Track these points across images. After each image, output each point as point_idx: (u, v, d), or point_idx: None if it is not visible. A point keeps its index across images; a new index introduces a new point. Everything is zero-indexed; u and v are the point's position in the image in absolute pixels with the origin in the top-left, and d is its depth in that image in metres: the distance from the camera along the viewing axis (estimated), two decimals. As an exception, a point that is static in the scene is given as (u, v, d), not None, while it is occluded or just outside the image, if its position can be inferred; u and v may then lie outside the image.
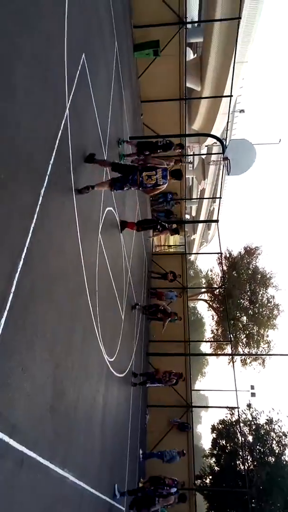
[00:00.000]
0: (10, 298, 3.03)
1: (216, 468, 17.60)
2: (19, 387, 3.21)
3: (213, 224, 39.57)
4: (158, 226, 11.15)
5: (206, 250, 51.16)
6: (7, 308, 2.97)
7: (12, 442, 3.01)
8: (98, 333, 6.10)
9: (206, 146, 31.74)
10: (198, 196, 40.27)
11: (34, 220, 3.55)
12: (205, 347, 35.03)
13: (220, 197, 20.94)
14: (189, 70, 17.31)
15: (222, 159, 11.30)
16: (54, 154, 4.11)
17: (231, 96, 15.07)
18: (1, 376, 2.88)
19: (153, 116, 14.55)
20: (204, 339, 33.18)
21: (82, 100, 5.38)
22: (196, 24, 22.58)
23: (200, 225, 45.08)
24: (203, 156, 32.19)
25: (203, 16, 22.69)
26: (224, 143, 10.82)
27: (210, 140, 28.19)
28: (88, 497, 5.31)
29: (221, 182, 22.15)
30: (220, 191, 21.50)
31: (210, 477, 17.38)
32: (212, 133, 23.39)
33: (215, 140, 22.83)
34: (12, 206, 3.16)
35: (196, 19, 24.30)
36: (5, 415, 2.94)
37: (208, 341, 29.36)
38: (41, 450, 3.62)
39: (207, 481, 17.39)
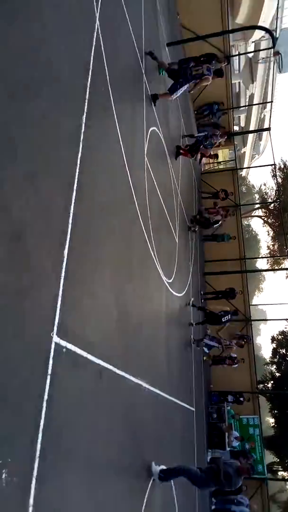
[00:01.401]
0: (69, 230, 3.13)
1: (277, 374, 18.58)
2: (88, 312, 3.47)
3: (265, 134, 36.51)
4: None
5: (258, 163, 48.06)
6: (68, 239, 3.10)
7: (90, 357, 3.36)
8: (154, 257, 6.25)
9: (253, 42, 28.02)
10: (247, 103, 36.77)
11: (80, 150, 3.50)
12: (262, 264, 34.79)
13: (271, 101, 18.98)
14: None
15: (272, 54, 9.98)
16: (90, 76, 3.87)
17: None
18: (72, 302, 3.11)
19: (191, 14, 12.88)
20: (260, 256, 32.85)
21: (111, 6, 4.86)
22: None
23: (250, 136, 41.82)
24: (250, 55, 28.64)
25: None
26: (274, 34, 9.46)
27: (257, 34, 24.72)
28: (162, 400, 5.93)
29: (272, 83, 19.86)
30: (271, 94, 19.42)
31: (272, 382, 18.45)
32: (259, 24, 20.42)
33: (263, 33, 20.04)
34: (57, 138, 3.11)
35: None
36: (81, 335, 3.23)
37: (264, 257, 29.06)
38: (116, 362, 4.01)
39: (269, 385, 18.53)
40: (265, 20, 22.27)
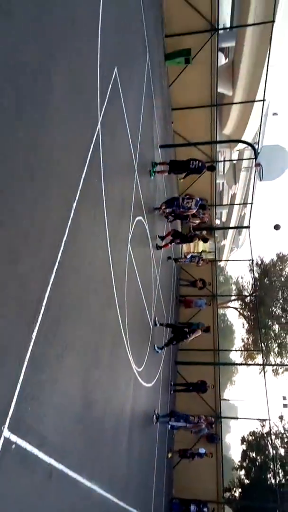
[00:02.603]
0: (41, 312, 3.08)
1: (245, 481, 17.20)
2: (48, 403, 3.25)
3: (244, 229, 38.81)
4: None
5: (236, 256, 50.27)
6: (38, 323, 3.03)
7: (41, 455, 3.05)
8: (126, 343, 6.10)
9: (237, 150, 31.25)
10: (229, 202, 39.68)
11: (66, 234, 3.61)
12: (235, 356, 34.33)
13: (251, 203, 20.53)
14: (221, 74, 17.11)
15: (254, 165, 11.06)
16: (86, 168, 4.17)
17: (264, 100, 14.78)
18: (31, 392, 2.92)
19: (183, 123, 14.52)
20: (234, 348, 32.57)
21: (113, 112, 5.44)
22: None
23: (231, 230, 44.37)
24: (234, 162, 31.72)
25: (236, 20, 22.44)
26: (256, 148, 10.60)
27: (241, 144, 27.72)
28: (114, 508, 5.29)
29: (253, 186, 21.70)
30: (252, 196, 21.06)
31: (240, 490, 16.98)
32: (244, 137, 23.05)
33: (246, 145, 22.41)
34: (45, 220, 3.22)
35: (228, 23, 24.03)
36: (36, 428, 2.98)
37: (238, 350, 28.77)
38: (70, 462, 3.64)
39: (236, 494, 17.00)
40: (249, 134, 25.18)
